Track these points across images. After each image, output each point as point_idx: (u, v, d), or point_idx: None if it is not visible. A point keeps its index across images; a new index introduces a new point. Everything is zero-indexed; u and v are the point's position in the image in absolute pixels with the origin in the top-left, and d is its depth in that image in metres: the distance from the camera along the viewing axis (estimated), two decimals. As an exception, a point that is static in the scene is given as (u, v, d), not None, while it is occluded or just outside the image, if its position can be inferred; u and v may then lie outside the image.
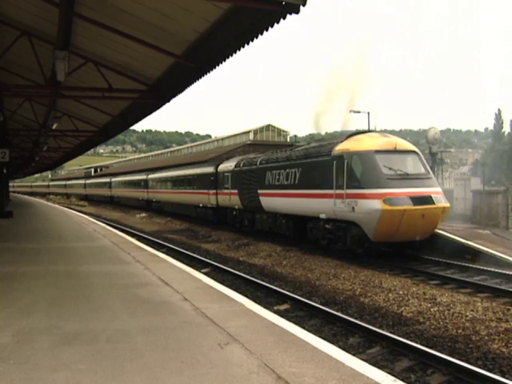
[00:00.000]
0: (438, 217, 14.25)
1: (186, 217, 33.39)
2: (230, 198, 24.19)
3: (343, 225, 15.12)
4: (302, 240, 18.17)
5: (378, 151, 14.56)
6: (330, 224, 15.80)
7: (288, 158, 18.89)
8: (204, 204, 28.43)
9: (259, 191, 20.73)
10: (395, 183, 14.04)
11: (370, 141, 15.12)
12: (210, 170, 27.87)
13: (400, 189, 13.91)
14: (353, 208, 14.25)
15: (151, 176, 42.60)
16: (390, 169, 14.30)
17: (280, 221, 19.59)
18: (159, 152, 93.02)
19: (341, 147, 15.43)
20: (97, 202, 63.58)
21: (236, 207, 23.73)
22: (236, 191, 23.36)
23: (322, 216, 15.90)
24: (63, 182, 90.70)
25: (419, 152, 15.59)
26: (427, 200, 13.99)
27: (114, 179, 57.64)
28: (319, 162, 16.45)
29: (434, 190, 14.45)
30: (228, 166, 25.23)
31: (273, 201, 19.67)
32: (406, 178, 14.28)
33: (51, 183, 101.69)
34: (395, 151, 14.84)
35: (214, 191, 26.51)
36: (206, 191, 27.83)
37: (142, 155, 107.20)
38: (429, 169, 15.34)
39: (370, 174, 14.30)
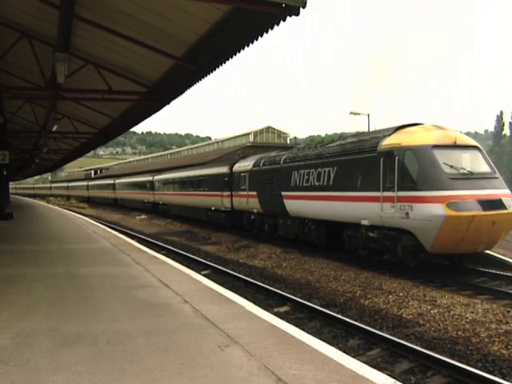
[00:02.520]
0: (510, 224, 12.41)
1: (186, 219, 33.09)
2: (247, 200, 21.97)
3: (392, 233, 12.98)
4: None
5: (435, 146, 12.48)
6: (375, 232, 13.64)
7: (320, 156, 16.47)
8: (217, 207, 26.28)
9: (283, 193, 18.45)
10: (460, 184, 12.03)
11: (425, 134, 13.01)
12: (223, 169, 25.70)
13: (466, 191, 11.89)
14: (406, 214, 12.19)
15: (157, 177, 40.48)
16: (452, 167, 12.25)
17: (309, 227, 17.25)
18: (159, 154, 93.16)
19: (390, 142, 13.23)
20: (97, 204, 63.32)
21: (255, 211, 21.47)
22: (255, 193, 21.11)
23: (365, 222, 13.77)
24: (65, 184, 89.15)
25: (481, 148, 13.58)
26: (498, 204, 12.02)
27: (117, 181, 55.71)
28: (361, 160, 14.13)
29: (504, 192, 12.49)
30: (245, 165, 23.06)
31: (300, 204, 17.40)
32: (471, 178, 12.24)
33: (53, 185, 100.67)
34: (455, 146, 12.73)
35: (229, 193, 24.48)
36: (219, 193, 25.70)
37: (142, 157, 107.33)
38: (494, 167, 13.29)
39: (429, 173, 12.25)
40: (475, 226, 11.63)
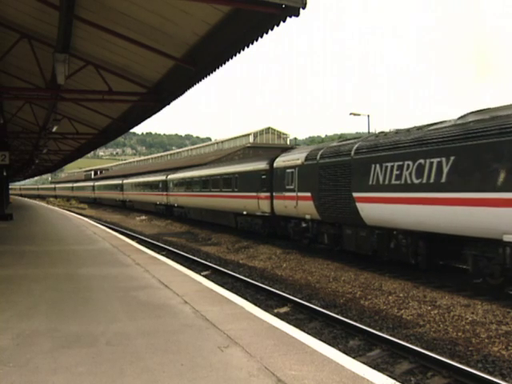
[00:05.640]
0: None
1: (186, 220, 32.93)
2: (296, 203, 17.60)
3: None
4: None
5: None
6: None
7: (422, 142, 11.84)
8: (250, 211, 21.92)
9: (356, 195, 14.04)
10: None
11: None
12: (260, 165, 21.35)
13: None
14: None
15: (172, 176, 36.10)
16: None
17: (398, 241, 12.87)
18: (159, 155, 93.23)
19: None
20: (97, 205, 63.00)
21: (307, 217, 16.98)
22: (308, 194, 16.72)
23: (509, 238, 9.61)
24: (70, 185, 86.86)
25: None
26: None
27: (126, 181, 51.84)
28: (503, 145, 9.76)
29: None
30: (292, 158, 18.50)
31: (385, 210, 12.85)
32: None
33: (57, 185, 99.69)
34: None
35: (267, 194, 20.20)
36: (254, 194, 21.34)
37: (142, 158, 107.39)
38: None
39: None
40: None
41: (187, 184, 32.18)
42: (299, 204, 17.42)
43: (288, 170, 18.45)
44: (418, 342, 7.89)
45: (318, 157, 16.40)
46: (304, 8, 6.19)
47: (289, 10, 6.32)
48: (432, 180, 11.37)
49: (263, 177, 20.74)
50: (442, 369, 6.62)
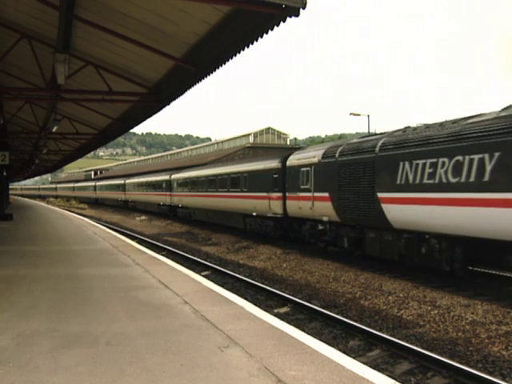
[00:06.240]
0: None
1: (187, 220, 32.94)
2: (312, 204, 16.49)
3: None
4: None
5: None
6: None
7: (459, 137, 10.71)
8: (260, 212, 20.90)
9: (381, 195, 12.95)
10: None
11: None
12: (272, 164, 20.22)
13: None
14: None
15: (176, 176, 35.02)
16: None
17: (431, 246, 11.75)
18: (159, 155, 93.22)
19: None
20: (97, 205, 62.98)
21: (324, 219, 15.90)
22: (326, 195, 15.63)
23: None
24: (71, 185, 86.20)
25: None
26: None
27: (128, 181, 51.04)
28: None
29: None
30: (308, 156, 17.39)
31: (416, 212, 11.78)
32: None
33: (59, 185, 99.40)
34: None
35: (279, 194, 19.13)
36: (264, 194, 20.26)
37: (142, 158, 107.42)
38: None
39: None
40: None
41: (192, 184, 30.91)
42: (315, 205, 16.33)
43: (303, 169, 17.37)
44: (418, 342, 7.90)
45: (337, 154, 15.23)
46: (304, 8, 6.19)
47: (289, 10, 6.32)
48: (472, 179, 10.22)
49: (275, 176, 19.65)
50: (442, 369, 6.62)
